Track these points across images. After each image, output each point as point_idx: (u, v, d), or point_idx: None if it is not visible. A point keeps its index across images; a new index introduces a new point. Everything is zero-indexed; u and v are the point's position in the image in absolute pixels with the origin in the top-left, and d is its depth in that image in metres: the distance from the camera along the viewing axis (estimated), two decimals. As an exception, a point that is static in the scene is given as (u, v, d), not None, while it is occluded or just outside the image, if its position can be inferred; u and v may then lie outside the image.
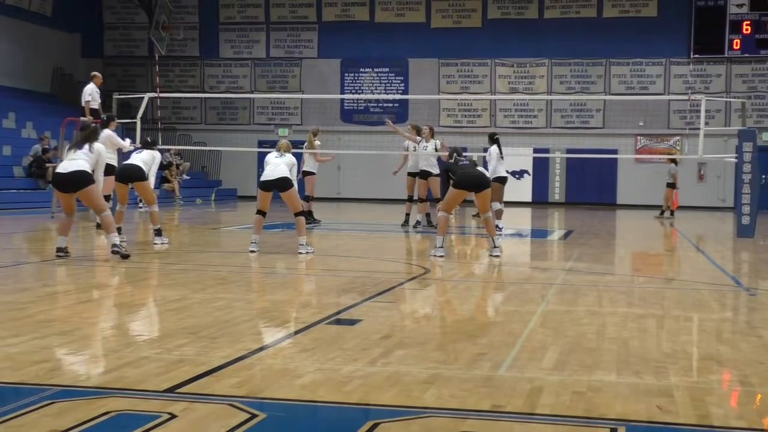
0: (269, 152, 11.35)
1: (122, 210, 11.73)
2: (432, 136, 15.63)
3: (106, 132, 13.30)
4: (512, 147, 25.18)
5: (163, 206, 23.48)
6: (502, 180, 14.28)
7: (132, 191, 12.28)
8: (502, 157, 14.40)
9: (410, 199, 15.91)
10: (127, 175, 11.60)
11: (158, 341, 5.33)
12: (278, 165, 10.88)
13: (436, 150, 15.50)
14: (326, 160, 18.01)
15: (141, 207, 23.70)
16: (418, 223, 15.68)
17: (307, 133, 17.09)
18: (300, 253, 10.72)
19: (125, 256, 9.72)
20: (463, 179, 10.75)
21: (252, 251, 10.74)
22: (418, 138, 15.67)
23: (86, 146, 9.75)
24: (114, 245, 9.74)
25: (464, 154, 11.44)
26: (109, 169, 13.46)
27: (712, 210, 26.31)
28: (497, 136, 14.81)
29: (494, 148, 14.30)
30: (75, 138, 10.00)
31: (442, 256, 10.59)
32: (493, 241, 10.93)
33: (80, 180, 9.45)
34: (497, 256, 10.76)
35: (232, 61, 30.42)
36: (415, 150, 15.72)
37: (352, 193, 28.50)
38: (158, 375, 4.44)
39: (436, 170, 15.39)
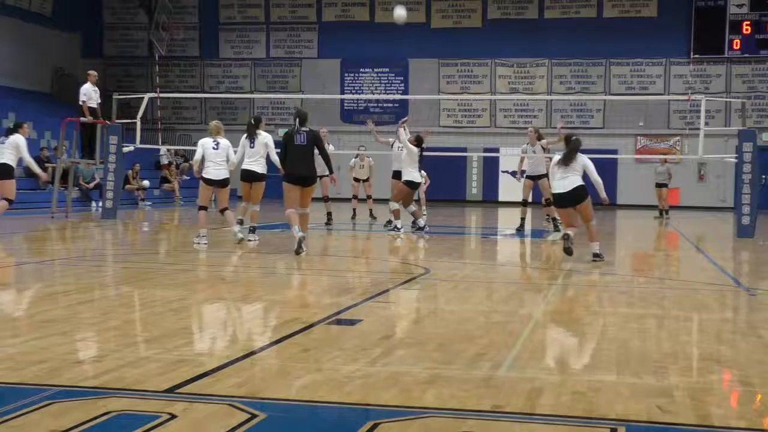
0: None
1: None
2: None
3: (13, 138, 13.20)
4: (512, 147, 25.18)
5: (163, 206, 23.53)
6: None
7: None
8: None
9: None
10: None
11: (158, 341, 5.33)
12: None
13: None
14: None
15: (146, 203, 23.75)
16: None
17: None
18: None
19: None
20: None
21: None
22: (391, 140, 16.04)
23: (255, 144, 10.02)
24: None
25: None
26: (7, 171, 13.34)
27: (712, 210, 26.31)
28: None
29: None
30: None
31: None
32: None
33: (254, 179, 10.13)
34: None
35: (232, 61, 30.43)
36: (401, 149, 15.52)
37: (351, 193, 28.44)
38: (158, 375, 4.44)
39: (410, 175, 14.90)
